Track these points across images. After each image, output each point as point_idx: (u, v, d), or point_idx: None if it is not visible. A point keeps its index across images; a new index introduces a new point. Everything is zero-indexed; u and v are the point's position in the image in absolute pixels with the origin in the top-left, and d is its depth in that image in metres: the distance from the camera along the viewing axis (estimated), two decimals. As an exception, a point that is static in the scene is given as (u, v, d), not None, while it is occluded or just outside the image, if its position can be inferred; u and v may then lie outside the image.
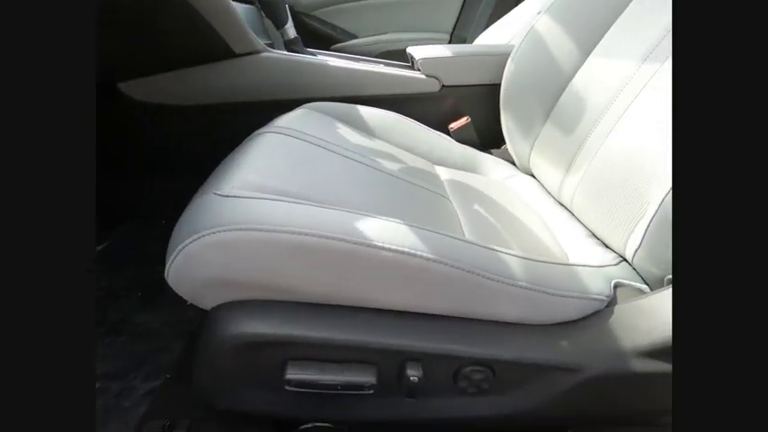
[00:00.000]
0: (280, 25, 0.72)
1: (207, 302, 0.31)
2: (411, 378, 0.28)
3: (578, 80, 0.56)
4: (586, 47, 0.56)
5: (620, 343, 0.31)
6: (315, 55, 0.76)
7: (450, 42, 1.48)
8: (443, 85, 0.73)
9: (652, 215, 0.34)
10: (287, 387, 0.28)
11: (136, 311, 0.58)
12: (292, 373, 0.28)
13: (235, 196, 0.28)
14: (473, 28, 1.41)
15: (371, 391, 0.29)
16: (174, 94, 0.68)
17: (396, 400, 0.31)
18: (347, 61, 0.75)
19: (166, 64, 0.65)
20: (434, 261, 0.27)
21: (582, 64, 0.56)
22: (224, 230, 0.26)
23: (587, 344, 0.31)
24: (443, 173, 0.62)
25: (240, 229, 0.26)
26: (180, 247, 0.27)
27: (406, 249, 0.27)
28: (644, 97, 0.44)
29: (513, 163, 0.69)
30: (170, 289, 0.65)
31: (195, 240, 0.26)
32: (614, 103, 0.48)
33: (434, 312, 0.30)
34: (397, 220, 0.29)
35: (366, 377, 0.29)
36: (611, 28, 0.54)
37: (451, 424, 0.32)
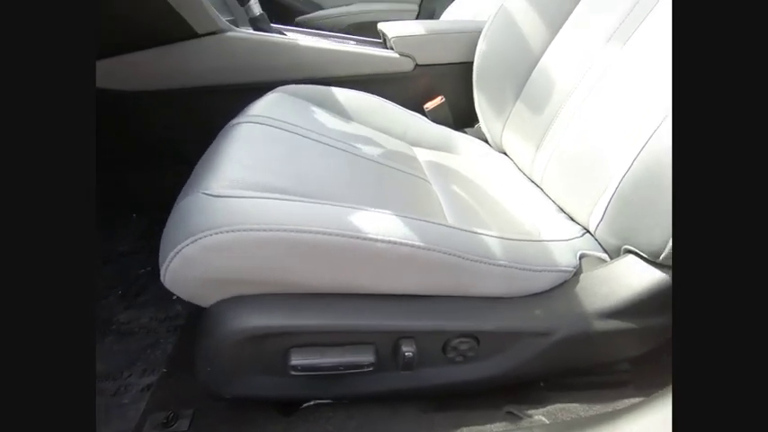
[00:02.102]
0: (244, 2, 0.67)
1: (205, 300, 0.32)
2: (406, 354, 0.31)
3: (547, 59, 0.58)
4: (554, 26, 0.57)
5: (584, 308, 0.35)
6: (282, 33, 0.72)
7: (419, 13, 1.44)
8: (417, 64, 0.73)
9: (613, 190, 0.38)
10: (292, 372, 0.31)
11: (120, 310, 0.57)
12: (296, 360, 0.30)
13: (226, 196, 0.29)
14: (442, -2, 1.37)
15: (370, 369, 0.32)
16: (134, 78, 0.64)
17: (392, 374, 0.34)
18: (318, 40, 0.72)
19: (124, 46, 0.60)
20: (423, 248, 0.29)
21: (550, 43, 0.58)
22: (221, 232, 0.26)
23: (557, 310, 0.35)
24: (421, 154, 0.63)
25: (237, 230, 0.26)
26: (176, 249, 0.27)
27: (396, 240, 0.28)
28: (606, 80, 0.46)
29: (486, 141, 0.71)
30: (153, 284, 0.64)
31: (192, 243, 0.27)
32: (580, 84, 0.51)
33: (424, 293, 0.33)
34: (387, 211, 0.31)
35: (365, 357, 0.31)
36: (577, 7, 0.55)
37: (442, 389, 0.36)
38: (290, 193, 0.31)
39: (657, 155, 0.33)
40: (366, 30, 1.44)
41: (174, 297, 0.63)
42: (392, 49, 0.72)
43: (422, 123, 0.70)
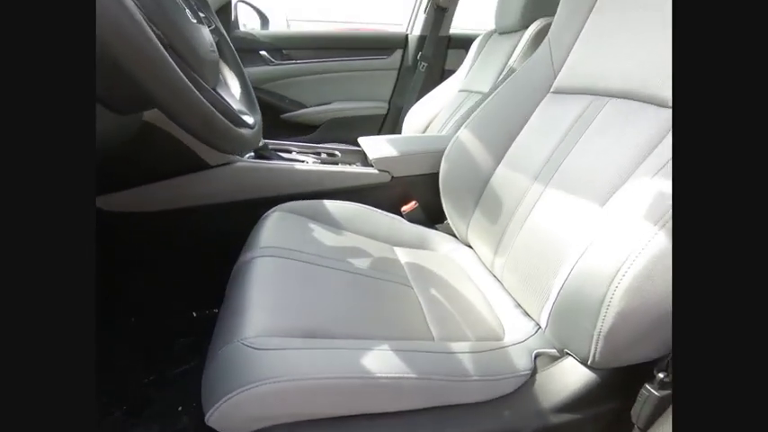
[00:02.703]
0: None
1: (240, 431, 0.38)
2: (406, 462, 0.39)
3: (494, 181, 0.73)
4: (497, 156, 0.73)
5: (542, 404, 0.45)
6: (280, 155, 0.86)
7: (388, 110, 1.67)
8: (393, 177, 0.88)
9: (551, 305, 0.50)
10: None
11: (127, 427, 0.59)
12: None
13: (264, 348, 0.37)
14: (407, 97, 1.63)
15: None
16: (149, 202, 0.73)
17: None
18: (311, 161, 0.86)
19: (144, 180, 0.70)
20: (416, 378, 0.39)
21: (496, 168, 0.73)
22: (265, 383, 0.34)
23: (521, 409, 0.45)
24: (402, 255, 0.75)
25: (278, 382, 0.35)
26: (226, 398, 0.35)
27: (396, 375, 0.38)
28: (538, 208, 0.61)
29: (455, 235, 0.85)
30: (157, 395, 0.69)
31: (241, 393, 0.34)
32: (520, 207, 0.65)
33: (417, 408, 0.41)
34: (386, 346, 0.41)
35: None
36: (510, 148, 0.72)
37: None
38: (312, 334, 0.41)
39: (578, 285, 0.45)
40: (342, 124, 1.65)
41: (180, 408, 0.67)
42: (372, 165, 0.87)
43: (400, 225, 0.82)
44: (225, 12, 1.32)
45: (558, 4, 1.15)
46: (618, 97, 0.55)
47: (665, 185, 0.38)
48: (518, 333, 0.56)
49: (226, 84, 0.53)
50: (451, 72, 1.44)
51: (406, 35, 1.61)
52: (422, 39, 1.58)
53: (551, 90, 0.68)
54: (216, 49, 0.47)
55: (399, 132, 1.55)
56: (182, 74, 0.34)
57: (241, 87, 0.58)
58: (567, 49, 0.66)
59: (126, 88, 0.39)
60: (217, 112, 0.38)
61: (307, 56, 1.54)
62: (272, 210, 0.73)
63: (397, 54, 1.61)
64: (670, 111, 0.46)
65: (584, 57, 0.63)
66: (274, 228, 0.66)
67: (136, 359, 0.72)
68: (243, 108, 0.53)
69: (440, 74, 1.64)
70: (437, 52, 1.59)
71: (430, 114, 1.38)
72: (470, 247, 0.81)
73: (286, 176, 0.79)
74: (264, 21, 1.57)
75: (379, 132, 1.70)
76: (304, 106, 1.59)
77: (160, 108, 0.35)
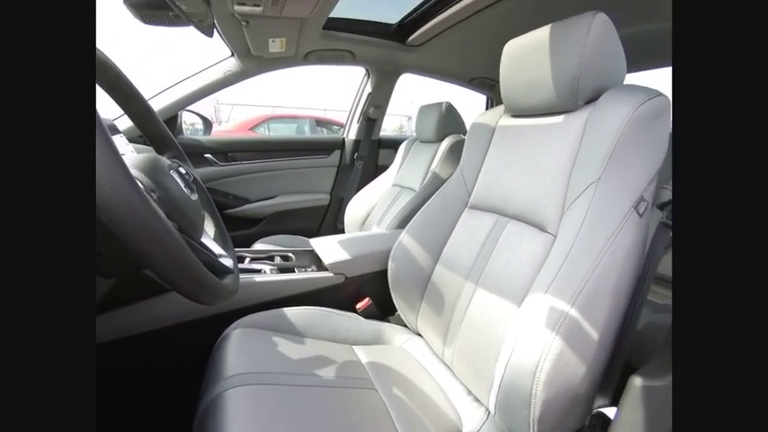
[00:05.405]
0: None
1: None
2: None
3: (435, 278, 0.86)
4: (434, 257, 0.88)
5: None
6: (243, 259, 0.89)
7: (330, 201, 1.82)
8: (347, 277, 0.97)
9: (497, 392, 0.60)
10: None
11: None
12: None
13: None
14: (347, 190, 1.80)
15: None
16: (104, 332, 0.68)
17: None
18: (268, 269, 0.91)
19: (111, 307, 0.67)
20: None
21: (435, 267, 0.88)
22: None
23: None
24: (362, 355, 0.80)
25: None
26: None
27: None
28: (473, 304, 0.75)
29: (406, 325, 0.94)
30: None
31: None
32: (459, 301, 0.78)
33: None
34: None
35: None
36: (445, 247, 0.88)
37: None
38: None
39: (512, 380, 0.56)
40: (287, 215, 1.73)
41: None
42: (326, 268, 0.96)
43: (356, 324, 0.89)
44: (172, 120, 1.40)
45: (462, 125, 1.50)
46: (515, 219, 0.75)
47: (555, 302, 0.54)
48: (473, 422, 0.64)
49: (203, 227, 0.59)
50: (384, 167, 1.68)
51: (343, 138, 1.86)
52: (357, 142, 1.83)
53: (468, 206, 0.88)
54: (201, 205, 0.54)
55: (342, 221, 1.68)
56: (185, 244, 0.40)
57: (215, 227, 0.64)
58: (475, 177, 0.89)
59: (123, 258, 0.43)
60: (208, 272, 0.43)
61: (251, 157, 1.64)
62: (232, 326, 0.74)
63: (336, 154, 1.82)
64: (549, 235, 0.66)
65: (488, 185, 0.85)
66: (238, 349, 0.67)
67: None
68: (221, 250, 0.59)
69: (374, 169, 1.87)
70: (371, 152, 1.84)
71: (368, 205, 1.56)
72: (420, 335, 0.90)
73: (248, 289, 0.83)
74: (207, 125, 1.66)
75: (321, 222, 1.81)
76: (248, 201, 1.64)
77: (160, 276, 0.40)
